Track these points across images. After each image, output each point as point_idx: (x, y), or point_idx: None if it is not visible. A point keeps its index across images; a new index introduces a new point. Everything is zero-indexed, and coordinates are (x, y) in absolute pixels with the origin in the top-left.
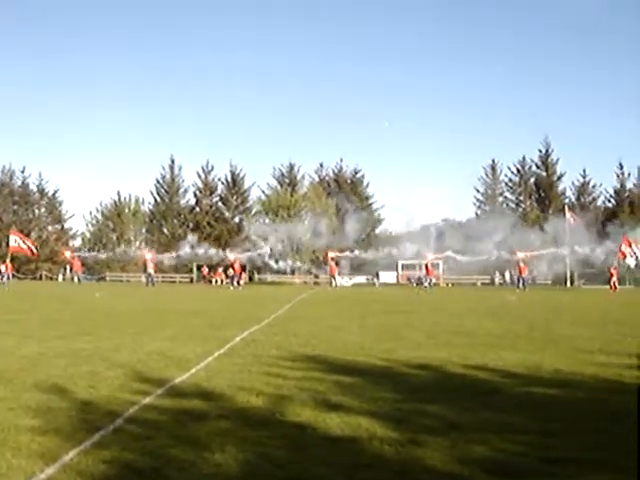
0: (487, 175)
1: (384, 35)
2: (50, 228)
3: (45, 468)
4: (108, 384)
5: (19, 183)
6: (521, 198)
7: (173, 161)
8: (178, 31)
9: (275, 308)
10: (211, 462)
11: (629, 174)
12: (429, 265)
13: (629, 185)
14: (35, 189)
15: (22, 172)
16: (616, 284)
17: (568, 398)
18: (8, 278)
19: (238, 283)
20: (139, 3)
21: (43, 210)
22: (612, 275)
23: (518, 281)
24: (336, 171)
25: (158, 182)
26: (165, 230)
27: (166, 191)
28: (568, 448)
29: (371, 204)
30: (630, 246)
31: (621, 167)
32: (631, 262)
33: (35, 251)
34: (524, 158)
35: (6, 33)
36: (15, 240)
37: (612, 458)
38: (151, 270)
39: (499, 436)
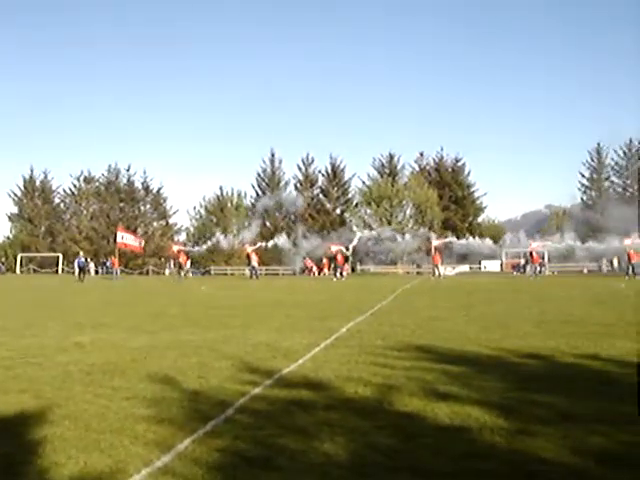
0: (592, 159)
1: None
2: (155, 224)
3: (161, 456)
4: (217, 375)
5: (125, 181)
6: (628, 182)
7: (273, 155)
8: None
9: (379, 299)
10: (321, 451)
11: None
12: (534, 253)
13: None
14: (140, 186)
15: (127, 170)
16: None
17: None
18: (116, 273)
19: (341, 274)
20: None
21: (148, 207)
22: None
23: (627, 268)
24: (437, 160)
25: (259, 176)
26: (267, 223)
27: (267, 184)
28: None
29: (473, 192)
30: None
31: None
32: None
33: (141, 244)
34: (631, 141)
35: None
36: (122, 237)
37: None
38: (255, 263)
39: (615, 427)
